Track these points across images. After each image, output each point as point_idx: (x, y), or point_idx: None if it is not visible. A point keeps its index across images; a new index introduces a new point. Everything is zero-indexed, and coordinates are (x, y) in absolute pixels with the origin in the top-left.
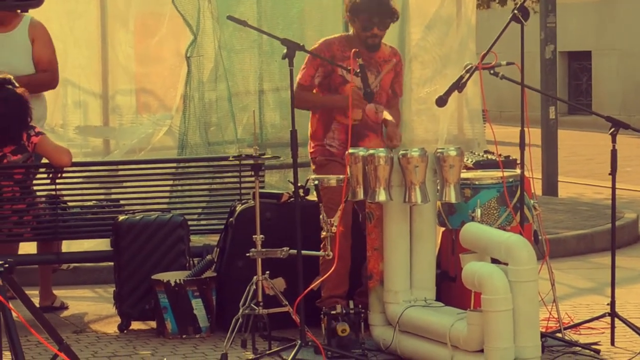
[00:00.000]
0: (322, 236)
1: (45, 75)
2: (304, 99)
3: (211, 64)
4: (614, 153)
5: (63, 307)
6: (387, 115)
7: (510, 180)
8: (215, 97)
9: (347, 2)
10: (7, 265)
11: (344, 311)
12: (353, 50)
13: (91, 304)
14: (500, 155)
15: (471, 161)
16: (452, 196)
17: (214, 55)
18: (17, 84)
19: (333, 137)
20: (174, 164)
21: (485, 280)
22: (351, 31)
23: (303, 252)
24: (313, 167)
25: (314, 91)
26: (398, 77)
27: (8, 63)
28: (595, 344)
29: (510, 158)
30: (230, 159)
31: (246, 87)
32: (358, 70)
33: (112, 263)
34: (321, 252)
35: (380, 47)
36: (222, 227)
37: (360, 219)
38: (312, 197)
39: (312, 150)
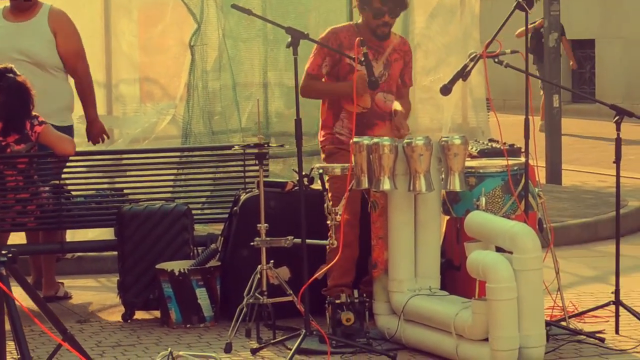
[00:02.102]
0: (328, 225)
1: (86, 79)
2: (311, 88)
3: (215, 53)
4: (618, 141)
5: (67, 296)
6: (397, 106)
7: (515, 168)
8: (219, 85)
9: None
10: (10, 255)
11: (349, 300)
12: (358, 38)
13: (95, 294)
14: (504, 143)
15: (476, 149)
16: (456, 185)
17: (218, 44)
18: (18, 73)
19: (342, 125)
20: (178, 153)
21: (489, 268)
22: (360, 20)
23: (307, 241)
24: (323, 155)
25: (323, 80)
26: (407, 66)
27: (30, 51)
28: (600, 332)
29: (515, 146)
30: (235, 148)
31: (251, 76)
32: (362, 59)
33: (116, 252)
34: (325, 241)
35: (390, 36)
36: (226, 216)
37: (369, 208)
38: (317, 185)
39: (322, 139)
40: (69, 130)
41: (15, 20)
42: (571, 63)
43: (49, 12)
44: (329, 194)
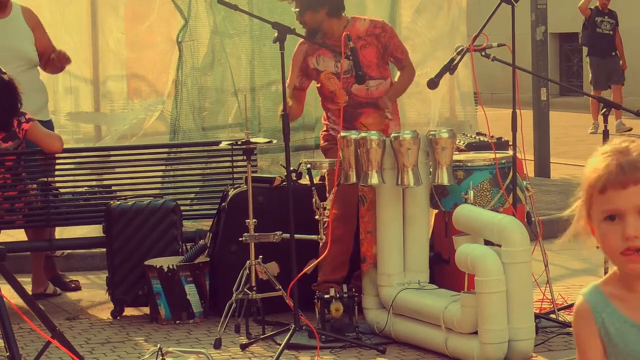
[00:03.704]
0: (317, 220)
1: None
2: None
3: (205, 49)
4: (605, 133)
5: (56, 294)
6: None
7: (503, 161)
8: (208, 82)
9: None
10: None
11: (338, 295)
12: (344, 33)
13: (84, 291)
14: (492, 137)
15: (463, 143)
16: (444, 178)
17: (208, 40)
18: (4, 71)
19: (330, 122)
20: (166, 150)
21: (478, 262)
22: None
23: (296, 236)
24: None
25: (304, 90)
26: (390, 44)
27: (13, 48)
28: None
29: (503, 140)
30: (223, 144)
31: (239, 72)
32: (349, 54)
33: (104, 249)
34: (314, 236)
35: (354, 24)
36: (215, 211)
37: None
38: (305, 181)
39: (321, 135)
40: (49, 124)
41: None
42: (621, 62)
43: (22, 9)
44: (327, 189)
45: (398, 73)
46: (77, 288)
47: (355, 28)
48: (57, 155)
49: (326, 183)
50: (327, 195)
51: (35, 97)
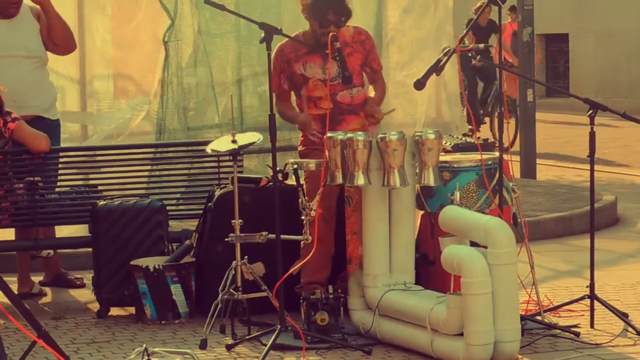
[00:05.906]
0: (302, 220)
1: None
2: (279, 111)
3: (190, 49)
4: (592, 135)
5: (41, 293)
6: (370, 92)
7: (489, 162)
8: (194, 82)
9: (302, 2)
10: None
11: (323, 296)
12: (330, 34)
13: (70, 291)
14: (479, 137)
15: (450, 144)
16: (430, 179)
17: (193, 40)
18: None
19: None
20: (152, 149)
21: (464, 263)
22: (307, 27)
23: (282, 236)
24: (299, 157)
25: (290, 94)
26: (371, 53)
27: (25, 46)
28: (575, 326)
29: (489, 141)
30: (209, 151)
31: (225, 72)
32: (336, 55)
33: (90, 249)
34: (300, 237)
35: (339, 30)
36: (201, 212)
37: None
38: (291, 181)
39: (299, 140)
40: (57, 123)
41: (4, 17)
42: None
43: (30, 6)
44: (305, 190)
45: (370, 87)
46: (82, 285)
47: (341, 34)
48: (43, 154)
49: (303, 184)
50: (305, 196)
51: (44, 96)
